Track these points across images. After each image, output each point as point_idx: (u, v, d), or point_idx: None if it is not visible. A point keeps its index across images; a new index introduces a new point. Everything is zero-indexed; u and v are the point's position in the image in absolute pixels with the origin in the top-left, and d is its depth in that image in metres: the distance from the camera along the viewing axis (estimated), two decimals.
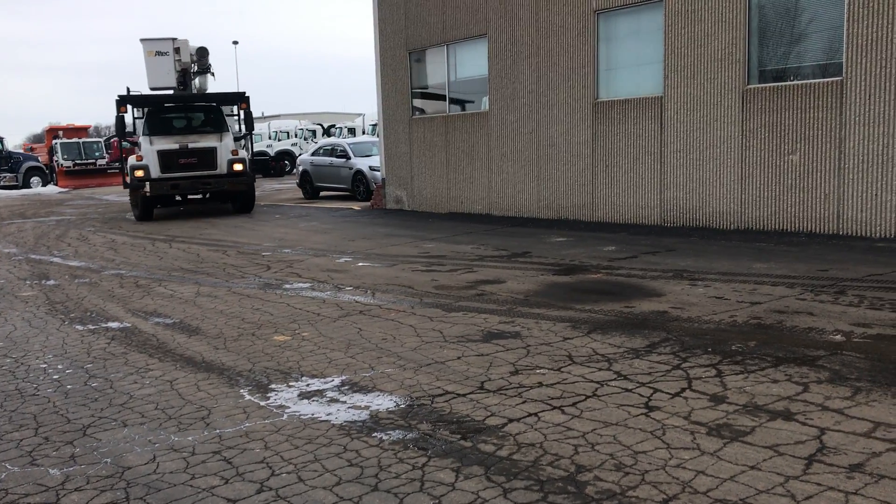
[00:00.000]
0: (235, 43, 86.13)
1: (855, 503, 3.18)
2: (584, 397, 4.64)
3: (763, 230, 11.14)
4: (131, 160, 18.77)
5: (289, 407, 4.75)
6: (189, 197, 20.07)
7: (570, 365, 5.31)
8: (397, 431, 4.24)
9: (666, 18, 12.04)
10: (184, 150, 18.38)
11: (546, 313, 6.90)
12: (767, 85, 11.02)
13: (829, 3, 10.30)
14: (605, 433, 4.06)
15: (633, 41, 12.70)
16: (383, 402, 4.73)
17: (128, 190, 19.96)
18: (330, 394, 4.96)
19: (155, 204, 19.41)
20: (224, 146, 18.70)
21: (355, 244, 12.44)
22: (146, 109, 20.23)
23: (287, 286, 8.91)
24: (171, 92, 22.02)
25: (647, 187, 12.64)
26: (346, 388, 5.07)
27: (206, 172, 18.46)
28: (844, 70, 10.11)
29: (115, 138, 22.44)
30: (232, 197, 19.63)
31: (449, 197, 16.70)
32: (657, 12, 12.21)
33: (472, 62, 15.87)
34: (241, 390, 5.14)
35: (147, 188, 18.07)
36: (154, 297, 8.63)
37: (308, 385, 5.16)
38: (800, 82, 10.67)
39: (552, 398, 4.65)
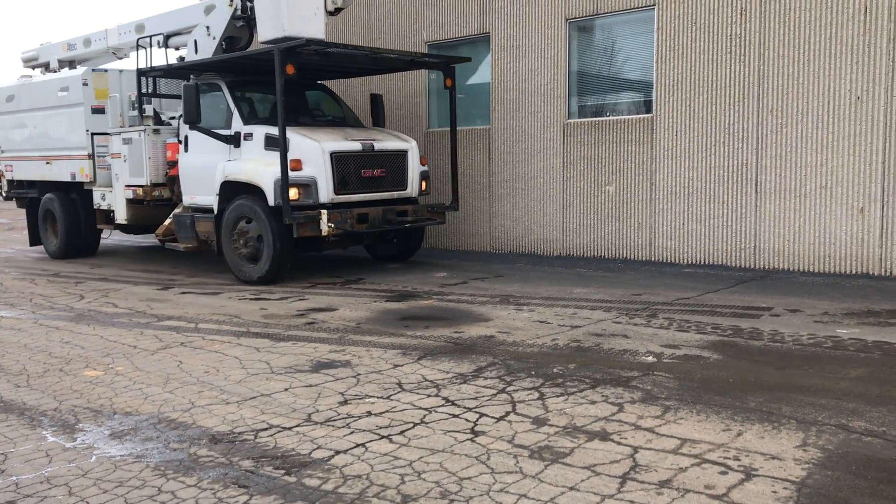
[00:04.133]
0: None
1: None
2: (412, 425, 4.63)
3: (584, 256, 11.72)
4: (259, 167, 10.11)
5: (98, 448, 4.41)
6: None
7: (399, 392, 5.30)
8: (217, 469, 4.04)
9: (493, 54, 12.49)
10: (369, 153, 10.47)
11: (378, 341, 6.87)
12: (586, 120, 11.67)
13: (642, 45, 11.07)
14: (432, 460, 4.07)
15: (464, 74, 13.06)
16: (203, 439, 4.50)
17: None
18: (145, 432, 4.66)
19: (301, 249, 10.83)
20: (413, 149, 11.05)
21: (178, 270, 11.89)
22: (230, 81, 11.19)
23: (101, 317, 8.34)
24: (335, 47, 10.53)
25: (477, 215, 12.98)
26: (163, 425, 4.78)
27: (395, 194, 10.79)
28: (654, 107, 10.89)
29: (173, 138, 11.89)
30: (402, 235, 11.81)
31: None
32: (485, 47, 12.64)
33: None
34: (44, 431, 4.72)
35: (325, 223, 9.78)
36: None
37: (121, 423, 4.83)
38: (615, 118, 11.38)
39: (380, 427, 4.61)
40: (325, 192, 10.02)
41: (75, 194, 13.85)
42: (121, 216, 12.63)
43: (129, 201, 12.31)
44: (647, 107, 11.06)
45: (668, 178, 10.84)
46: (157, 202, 12.03)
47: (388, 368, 5.92)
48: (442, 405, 4.99)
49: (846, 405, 4.74)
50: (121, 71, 13.48)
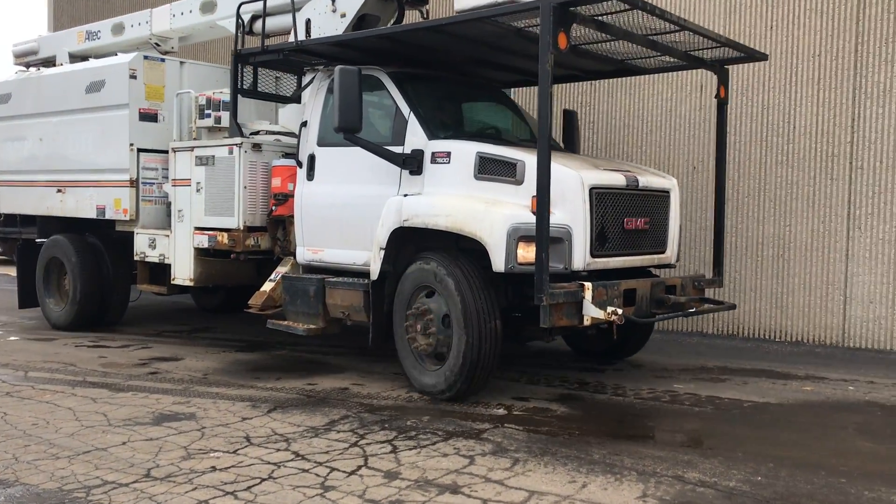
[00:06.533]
0: None
1: None
2: (259, 480, 4.47)
3: None
4: (476, 207, 6.26)
5: None
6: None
7: (247, 447, 5.10)
8: None
9: None
10: (633, 191, 6.72)
11: (225, 392, 6.61)
12: None
13: None
14: None
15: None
16: (27, 499, 4.14)
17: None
18: None
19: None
20: (675, 190, 7.24)
21: (5, 315, 11.03)
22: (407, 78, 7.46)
23: None
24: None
25: None
26: None
27: (656, 258, 7.07)
28: None
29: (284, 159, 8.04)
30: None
31: None
32: None
33: None
34: None
35: (594, 306, 5.98)
36: None
37: None
38: None
39: (225, 483, 4.41)
40: (581, 252, 6.16)
41: (95, 238, 9.82)
42: (183, 274, 8.55)
43: (200, 252, 8.39)
44: None
45: None
46: (250, 255, 8.08)
47: (235, 421, 5.70)
48: (291, 459, 4.85)
49: (682, 457, 4.99)
50: (182, 62, 9.58)
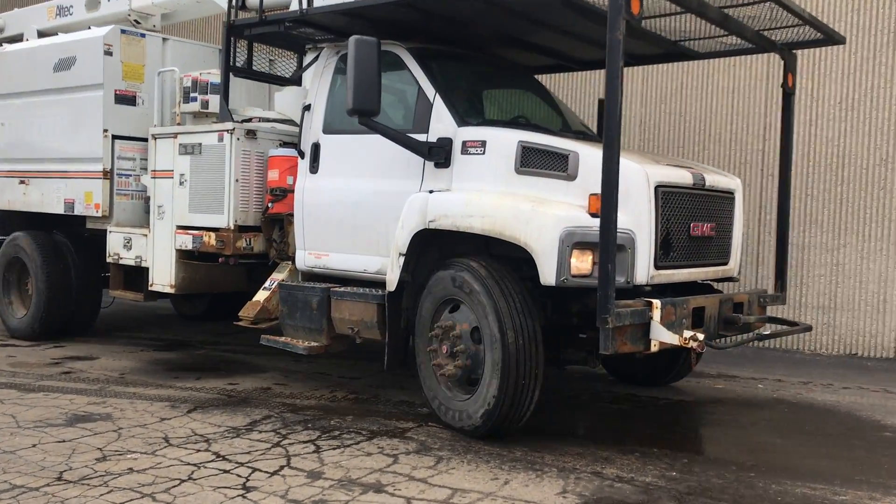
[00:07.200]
0: None
1: None
2: (178, 482, 4.38)
3: None
4: (521, 207, 5.22)
5: None
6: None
7: (165, 447, 4.99)
8: None
9: None
10: (699, 190, 5.70)
11: (143, 392, 6.45)
12: None
13: None
14: None
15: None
16: None
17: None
18: None
19: None
20: (740, 191, 6.24)
21: None
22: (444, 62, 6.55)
23: None
24: None
25: None
26: None
27: (720, 270, 6.06)
28: None
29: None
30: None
31: None
32: None
33: None
34: None
35: (663, 329, 4.97)
36: None
37: None
38: None
39: (143, 485, 4.31)
40: (644, 263, 5.21)
41: (63, 236, 8.76)
42: (163, 279, 7.54)
43: (183, 254, 7.38)
44: None
45: None
46: (242, 258, 7.06)
47: (154, 422, 5.57)
48: (212, 460, 4.77)
49: (601, 453, 5.12)
50: (165, 39, 8.49)
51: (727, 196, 6.01)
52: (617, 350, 4.88)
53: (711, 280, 6.16)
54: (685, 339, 4.91)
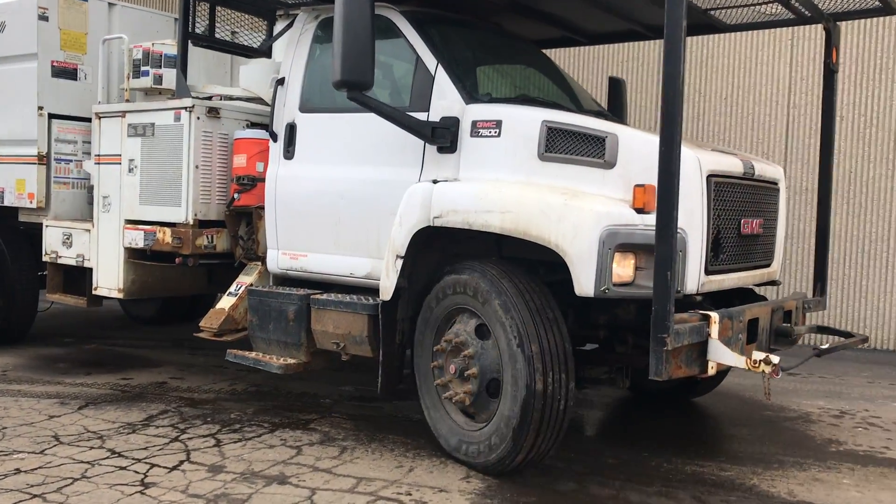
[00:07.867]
0: None
1: None
2: (71, 481, 4.22)
3: None
4: (548, 200, 4.31)
5: None
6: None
7: (56, 446, 4.79)
8: None
9: None
10: (749, 180, 4.88)
11: (29, 389, 6.16)
12: None
13: None
14: None
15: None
16: None
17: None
18: None
19: None
20: (783, 181, 5.49)
21: None
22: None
23: None
24: None
25: None
26: None
27: (766, 273, 5.29)
28: None
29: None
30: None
31: None
32: None
33: None
34: None
35: (721, 347, 4.15)
36: None
37: None
38: None
39: (32, 485, 4.13)
40: (696, 267, 4.38)
41: None
42: (109, 281, 6.59)
43: (132, 253, 6.42)
44: None
45: None
46: (202, 259, 6.13)
47: (41, 420, 5.33)
48: (107, 457, 4.61)
49: None
50: (112, 4, 7.48)
51: (773, 187, 5.27)
52: (671, 375, 4.04)
53: (757, 284, 5.31)
54: (754, 362, 4.08)
